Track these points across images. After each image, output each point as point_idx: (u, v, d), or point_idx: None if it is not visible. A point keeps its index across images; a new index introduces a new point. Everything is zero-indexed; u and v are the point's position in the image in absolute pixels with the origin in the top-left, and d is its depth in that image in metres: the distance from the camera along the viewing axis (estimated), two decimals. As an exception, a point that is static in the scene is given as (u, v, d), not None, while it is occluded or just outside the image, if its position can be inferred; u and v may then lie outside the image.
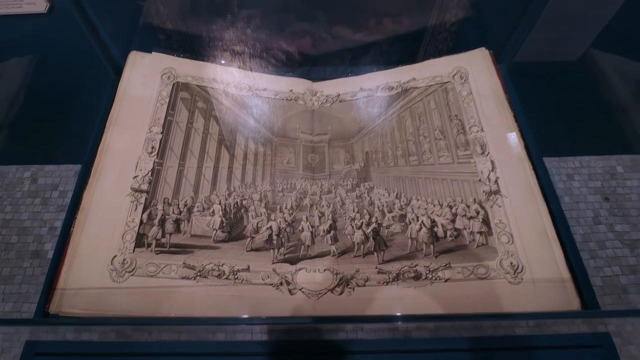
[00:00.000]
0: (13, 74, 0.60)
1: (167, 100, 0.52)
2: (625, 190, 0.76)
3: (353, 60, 0.61)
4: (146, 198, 0.45)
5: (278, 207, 0.48)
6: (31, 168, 0.74)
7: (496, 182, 0.45)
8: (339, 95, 0.56)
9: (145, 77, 0.53)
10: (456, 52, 0.58)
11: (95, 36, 0.59)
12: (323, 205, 0.48)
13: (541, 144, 0.52)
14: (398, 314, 0.39)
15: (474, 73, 0.55)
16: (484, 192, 0.45)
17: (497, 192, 0.45)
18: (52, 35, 0.61)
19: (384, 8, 0.62)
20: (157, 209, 0.44)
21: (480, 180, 0.46)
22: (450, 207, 0.45)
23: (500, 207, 0.44)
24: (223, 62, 0.58)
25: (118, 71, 0.55)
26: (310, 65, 0.61)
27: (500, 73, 0.56)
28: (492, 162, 0.46)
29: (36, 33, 0.61)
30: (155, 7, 0.59)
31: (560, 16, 0.62)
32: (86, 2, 0.58)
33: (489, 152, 0.47)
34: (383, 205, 0.48)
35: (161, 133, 0.49)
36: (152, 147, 0.48)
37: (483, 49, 0.57)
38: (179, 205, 0.45)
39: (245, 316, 0.39)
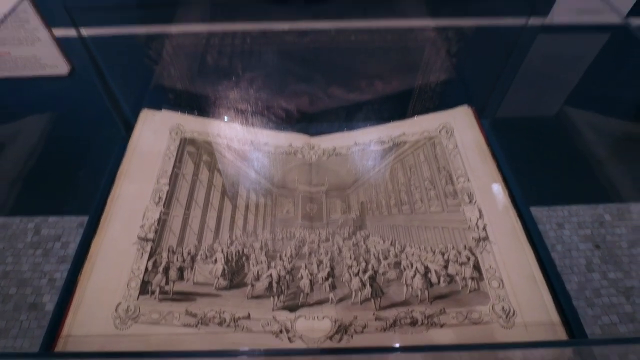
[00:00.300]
0: (30, 130, 0.64)
1: (175, 154, 0.56)
2: (614, 237, 0.79)
3: (347, 117, 0.66)
4: (152, 246, 0.46)
5: (278, 255, 0.50)
6: (35, 219, 0.76)
7: (484, 229, 0.48)
8: (335, 149, 0.60)
9: (155, 132, 0.57)
10: (442, 109, 0.63)
11: (110, 95, 0.64)
12: (321, 253, 0.50)
13: (527, 193, 0.55)
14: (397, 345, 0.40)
15: (459, 128, 0.59)
16: (473, 238, 0.47)
17: (486, 238, 0.47)
18: (69, 94, 0.66)
19: (374, 71, 0.69)
20: (162, 257, 0.46)
21: (469, 227, 0.49)
22: (443, 254, 0.47)
23: (489, 253, 0.46)
24: (227, 119, 0.63)
25: (128, 127, 0.60)
26: (308, 121, 0.66)
27: (484, 127, 0.60)
28: (480, 210, 0.49)
29: (55, 92, 0.66)
30: (167, 70, 0.65)
31: (533, 77, 0.69)
32: (104, 64, 0.64)
33: (475, 201, 0.50)
34: (378, 253, 0.50)
35: (168, 184, 0.52)
36: (159, 198, 0.51)
37: (466, 106, 0.63)
38: (182, 253, 0.47)
39: (245, 349, 0.39)
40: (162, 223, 0.49)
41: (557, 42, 0.68)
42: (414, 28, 0.66)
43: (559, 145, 0.74)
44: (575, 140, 0.71)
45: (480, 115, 0.62)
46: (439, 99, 0.68)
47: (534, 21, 0.63)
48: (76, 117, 0.66)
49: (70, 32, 0.60)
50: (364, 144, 0.61)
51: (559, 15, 0.64)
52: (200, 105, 0.65)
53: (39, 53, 0.62)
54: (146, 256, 0.45)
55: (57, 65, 0.64)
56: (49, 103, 0.66)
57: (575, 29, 0.66)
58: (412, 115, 0.64)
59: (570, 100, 0.73)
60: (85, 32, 0.61)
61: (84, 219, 0.77)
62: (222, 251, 0.48)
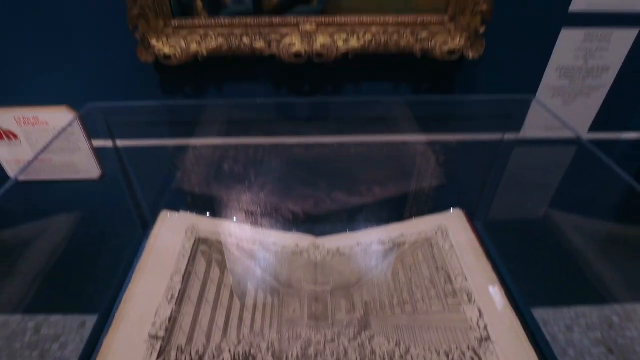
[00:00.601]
0: (52, 229, 0.68)
1: (189, 252, 0.59)
2: (626, 341, 0.77)
3: (350, 219, 0.72)
4: (162, 345, 0.47)
5: (284, 355, 0.50)
6: (37, 318, 0.75)
7: (485, 328, 0.49)
8: (339, 249, 0.64)
9: (172, 232, 0.62)
10: (436, 212, 0.69)
11: (134, 198, 0.70)
12: (327, 355, 0.50)
13: (529, 294, 0.57)
14: None
15: (453, 230, 0.64)
16: (475, 339, 0.48)
17: (488, 338, 0.48)
18: (96, 196, 0.72)
19: (373, 178, 0.77)
20: (170, 356, 0.46)
21: (470, 327, 0.50)
22: (447, 355, 0.48)
23: (492, 353, 0.47)
24: (239, 220, 0.68)
25: (148, 227, 0.64)
26: (313, 223, 0.71)
27: (477, 229, 0.65)
28: (479, 310, 0.51)
29: (83, 194, 0.72)
30: (188, 176, 0.72)
31: (516, 183, 0.76)
32: (132, 170, 0.71)
33: (475, 300, 0.53)
34: (384, 354, 0.50)
35: (181, 282, 0.55)
36: (172, 295, 0.53)
37: (458, 209, 0.68)
38: (191, 352, 0.47)
39: None
40: (173, 321, 0.50)
41: (532, 154, 0.78)
42: (406, 142, 0.76)
43: (551, 246, 0.78)
44: (566, 241, 0.75)
45: (472, 218, 0.67)
46: (433, 203, 0.74)
47: (509, 136, 0.73)
48: (99, 218, 0.71)
49: (107, 143, 0.68)
50: (366, 245, 0.65)
51: (530, 131, 0.75)
52: (215, 207, 0.70)
53: (77, 160, 0.70)
54: (155, 355, 0.46)
55: (90, 170, 0.71)
56: (76, 204, 0.72)
57: (545, 142, 0.76)
58: (409, 217, 0.69)
59: (554, 204, 0.79)
60: (120, 142, 0.69)
61: (87, 318, 0.76)
62: (230, 351, 0.48)
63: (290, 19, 0.59)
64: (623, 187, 0.56)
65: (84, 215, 0.70)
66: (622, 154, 0.81)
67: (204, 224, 0.65)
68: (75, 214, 0.69)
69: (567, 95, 0.72)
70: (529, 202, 0.79)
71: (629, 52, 0.67)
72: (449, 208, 0.69)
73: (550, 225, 0.76)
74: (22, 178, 0.62)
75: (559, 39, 0.65)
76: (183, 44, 0.60)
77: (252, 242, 0.65)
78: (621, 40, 0.66)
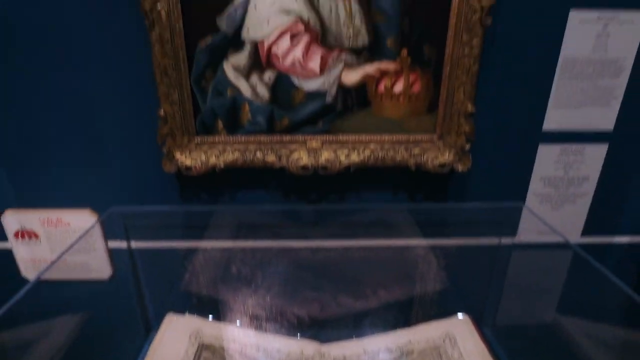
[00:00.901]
0: (56, 330, 0.68)
1: (192, 359, 0.58)
2: None
3: (356, 324, 0.71)
4: None
5: None
6: None
7: None
8: (345, 357, 0.62)
9: (176, 337, 0.61)
10: (442, 316, 0.69)
11: (140, 299, 0.71)
12: None
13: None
14: None
15: (461, 337, 0.63)
16: None
17: None
18: (104, 296, 0.73)
19: (377, 280, 0.78)
20: None
21: None
22: None
23: None
24: (244, 324, 0.68)
25: (152, 330, 0.64)
26: (319, 327, 0.70)
27: (486, 336, 0.64)
28: None
29: (90, 294, 0.73)
30: (196, 278, 0.74)
31: (519, 288, 0.77)
32: (142, 271, 0.73)
33: (489, 416, 0.50)
34: None
35: (181, 393, 0.53)
36: (171, 409, 0.50)
37: (465, 315, 0.68)
38: None
39: None
40: None
41: (530, 258, 0.80)
42: (407, 246, 0.79)
43: (564, 354, 0.75)
44: (578, 348, 0.73)
45: (480, 324, 0.67)
46: (438, 307, 0.74)
47: (505, 240, 0.76)
48: (104, 320, 0.70)
49: (122, 244, 0.72)
50: (373, 353, 0.63)
51: (525, 235, 0.78)
52: (220, 310, 0.71)
53: (90, 260, 0.73)
54: None
55: (102, 270, 0.73)
56: (83, 304, 0.72)
57: (541, 246, 0.79)
58: (415, 322, 0.68)
59: (561, 308, 0.78)
60: (134, 244, 0.73)
61: None
62: None
63: (299, 137, 0.67)
64: (620, 290, 0.57)
65: (89, 316, 0.70)
66: (620, 256, 0.83)
67: (209, 328, 0.65)
68: (80, 315, 0.69)
69: (554, 202, 0.77)
70: (534, 306, 0.79)
71: (604, 164, 0.74)
72: (453, 311, 0.69)
73: (559, 331, 0.75)
74: (32, 277, 0.64)
75: (537, 153, 0.73)
76: (203, 157, 0.67)
77: (255, 348, 0.64)
78: (594, 154, 0.73)
